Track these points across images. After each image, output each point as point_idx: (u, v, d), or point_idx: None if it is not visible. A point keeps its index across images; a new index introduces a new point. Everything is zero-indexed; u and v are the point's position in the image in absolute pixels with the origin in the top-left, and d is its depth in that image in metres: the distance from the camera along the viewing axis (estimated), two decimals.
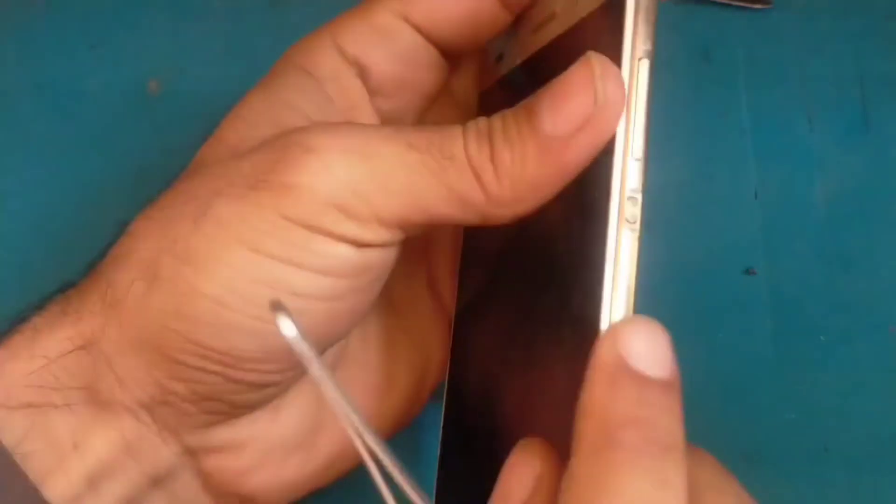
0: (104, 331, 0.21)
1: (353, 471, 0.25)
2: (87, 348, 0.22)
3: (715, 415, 0.30)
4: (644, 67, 0.20)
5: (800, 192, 0.33)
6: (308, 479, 0.25)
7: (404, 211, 0.21)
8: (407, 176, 0.20)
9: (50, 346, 0.21)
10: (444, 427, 0.25)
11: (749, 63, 0.35)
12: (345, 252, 0.21)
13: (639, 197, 0.20)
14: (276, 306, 0.17)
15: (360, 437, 0.18)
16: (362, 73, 0.24)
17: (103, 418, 0.22)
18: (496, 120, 0.20)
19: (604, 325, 0.19)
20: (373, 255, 0.21)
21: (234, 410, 0.22)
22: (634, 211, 0.20)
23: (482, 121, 0.21)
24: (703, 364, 0.30)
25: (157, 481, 0.23)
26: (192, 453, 0.23)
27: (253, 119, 0.23)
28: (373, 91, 0.24)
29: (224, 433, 0.23)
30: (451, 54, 0.25)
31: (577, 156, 0.20)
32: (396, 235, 0.21)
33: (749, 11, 0.36)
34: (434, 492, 0.24)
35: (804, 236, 0.33)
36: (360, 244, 0.21)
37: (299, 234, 0.20)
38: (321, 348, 0.23)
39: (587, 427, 0.18)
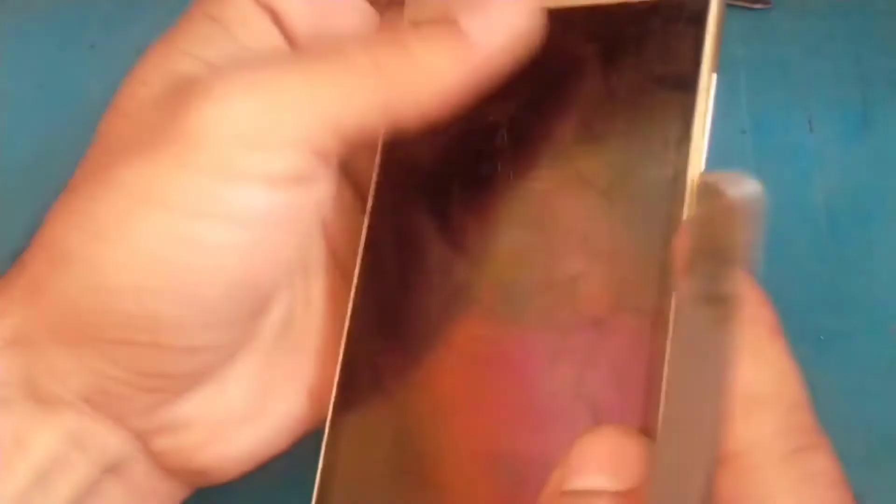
0: (30, 323, 0.21)
1: (309, 433, 0.25)
2: (18, 343, 0.21)
3: None
4: (714, 82, 0.21)
5: (800, 192, 0.33)
6: (261, 446, 0.24)
7: (312, 131, 0.20)
8: (310, 93, 0.20)
9: None
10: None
11: (749, 63, 0.35)
12: (261, 194, 0.20)
13: None
14: None
15: None
16: (276, 19, 0.23)
17: (45, 414, 0.21)
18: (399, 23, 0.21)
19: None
20: (291, 195, 0.21)
21: (176, 386, 0.22)
22: None
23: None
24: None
25: (110, 470, 0.22)
26: (141, 437, 0.23)
27: (150, 78, 0.22)
28: (292, 39, 0.23)
29: (170, 412, 0.22)
30: None
31: (488, 54, 0.20)
32: (311, 163, 0.21)
33: (749, 11, 0.35)
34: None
35: (804, 236, 0.33)
36: (274, 180, 0.20)
37: (208, 181, 0.20)
38: (250, 304, 0.22)
39: None
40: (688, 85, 0.21)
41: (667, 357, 0.16)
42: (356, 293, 0.24)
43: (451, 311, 0.23)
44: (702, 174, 0.17)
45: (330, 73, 0.20)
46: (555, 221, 0.22)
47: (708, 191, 0.14)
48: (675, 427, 0.16)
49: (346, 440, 0.23)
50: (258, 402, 0.24)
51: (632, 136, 0.22)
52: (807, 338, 0.32)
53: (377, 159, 0.25)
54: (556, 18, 0.22)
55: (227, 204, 0.20)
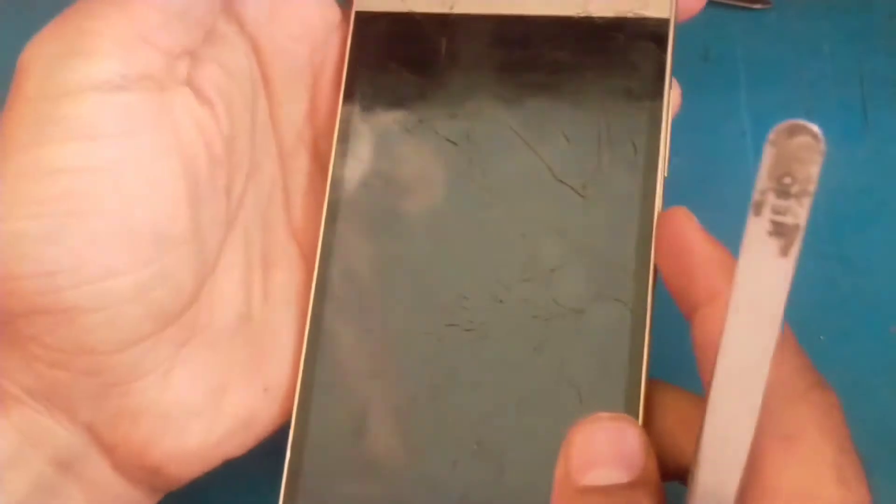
0: None
1: (268, 437, 0.25)
2: None
3: None
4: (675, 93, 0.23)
5: None
6: (215, 446, 0.23)
7: (120, 31, 0.20)
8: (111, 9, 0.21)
9: None
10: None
11: (749, 63, 0.35)
12: (94, 101, 0.20)
13: None
14: None
15: None
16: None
17: None
18: None
19: None
20: (127, 97, 0.20)
21: (114, 368, 0.21)
22: None
23: None
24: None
25: (65, 466, 0.22)
26: (91, 430, 0.22)
27: None
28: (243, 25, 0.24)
29: (117, 401, 0.22)
30: None
31: None
32: (136, 63, 0.20)
33: (749, 11, 0.35)
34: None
35: (804, 236, 0.33)
36: (102, 86, 0.20)
37: (44, 106, 0.20)
38: (151, 244, 0.21)
39: None
40: (652, 94, 0.23)
41: (734, 289, 0.17)
42: (317, 285, 0.24)
43: (418, 302, 0.23)
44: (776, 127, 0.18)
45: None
46: (525, 216, 0.23)
47: (788, 130, 0.17)
48: (733, 364, 0.17)
49: (311, 437, 0.23)
50: (211, 397, 0.23)
51: (600, 137, 0.23)
52: (807, 338, 0.32)
53: (333, 151, 0.25)
54: (531, 26, 0.23)
55: (67, 121, 0.20)
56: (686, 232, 0.21)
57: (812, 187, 0.17)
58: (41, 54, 0.20)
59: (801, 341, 0.32)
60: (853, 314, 0.32)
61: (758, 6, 0.35)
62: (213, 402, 0.23)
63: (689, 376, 0.21)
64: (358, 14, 0.24)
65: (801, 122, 0.17)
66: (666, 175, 0.23)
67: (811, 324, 0.32)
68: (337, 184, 0.24)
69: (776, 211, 0.17)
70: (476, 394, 0.23)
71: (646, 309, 0.22)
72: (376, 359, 0.24)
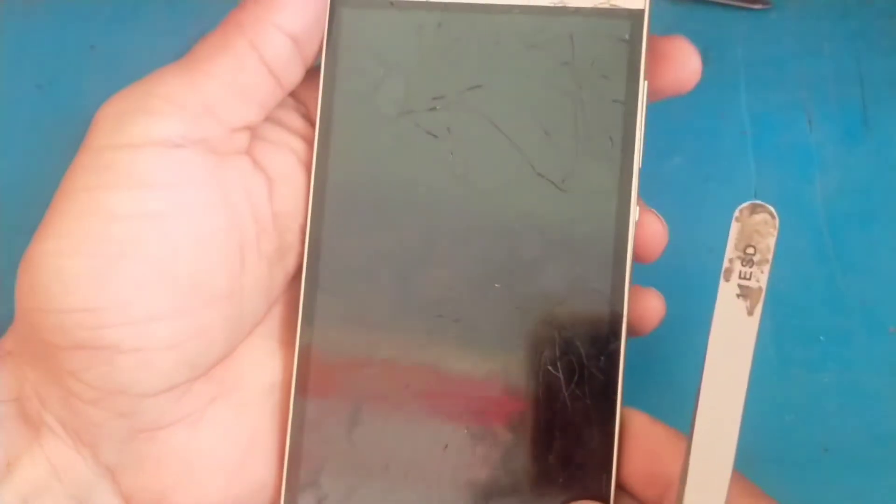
0: (12, 339, 0.22)
1: None
2: (9, 359, 0.22)
3: None
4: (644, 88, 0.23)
5: (800, 192, 0.33)
6: (234, 503, 0.24)
7: (183, 97, 0.22)
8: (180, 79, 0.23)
9: None
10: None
11: (749, 63, 0.35)
12: (153, 155, 0.21)
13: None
14: None
15: None
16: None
17: (31, 437, 0.22)
18: None
19: None
20: (185, 154, 0.22)
21: (146, 414, 0.22)
22: None
23: None
24: (702, 365, 0.30)
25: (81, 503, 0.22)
26: (112, 472, 0.22)
27: None
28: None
29: (143, 447, 0.22)
30: None
31: None
32: (196, 126, 0.22)
33: (749, 11, 0.35)
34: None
35: (804, 236, 0.33)
36: (162, 142, 0.21)
37: (108, 154, 0.21)
38: (193, 292, 0.22)
39: None
40: (627, 86, 0.23)
41: (709, 343, 0.20)
42: (307, 279, 0.24)
43: (402, 296, 0.24)
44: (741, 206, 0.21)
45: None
46: (506, 209, 0.24)
47: (749, 209, 0.20)
48: (711, 405, 0.20)
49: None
50: (236, 455, 0.24)
51: (578, 131, 0.23)
52: (807, 338, 0.32)
53: (315, 145, 0.25)
54: (507, 16, 0.24)
55: (124, 170, 0.21)
56: (655, 448, 0.23)
57: (770, 256, 0.20)
58: (111, 111, 0.22)
59: (802, 341, 0.32)
60: (853, 314, 0.32)
61: (758, 6, 0.35)
62: (237, 461, 0.24)
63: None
64: (335, 3, 0.24)
65: (760, 202, 0.20)
66: (640, 166, 0.23)
67: (811, 324, 0.32)
68: (320, 180, 0.24)
69: (742, 276, 0.20)
70: (460, 385, 0.23)
71: (623, 298, 0.23)
72: (367, 358, 0.24)
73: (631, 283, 0.23)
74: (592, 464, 0.23)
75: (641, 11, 0.23)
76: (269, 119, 0.24)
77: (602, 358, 0.23)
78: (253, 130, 0.24)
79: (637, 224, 0.23)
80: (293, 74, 0.23)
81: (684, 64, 0.23)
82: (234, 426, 0.24)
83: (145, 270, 0.21)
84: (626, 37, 0.23)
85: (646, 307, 0.24)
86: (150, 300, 0.21)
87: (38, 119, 0.34)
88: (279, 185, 0.24)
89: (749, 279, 0.20)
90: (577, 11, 0.23)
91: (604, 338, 0.23)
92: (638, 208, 0.23)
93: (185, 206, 0.22)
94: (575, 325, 0.23)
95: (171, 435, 0.23)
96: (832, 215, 0.33)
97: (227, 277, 0.23)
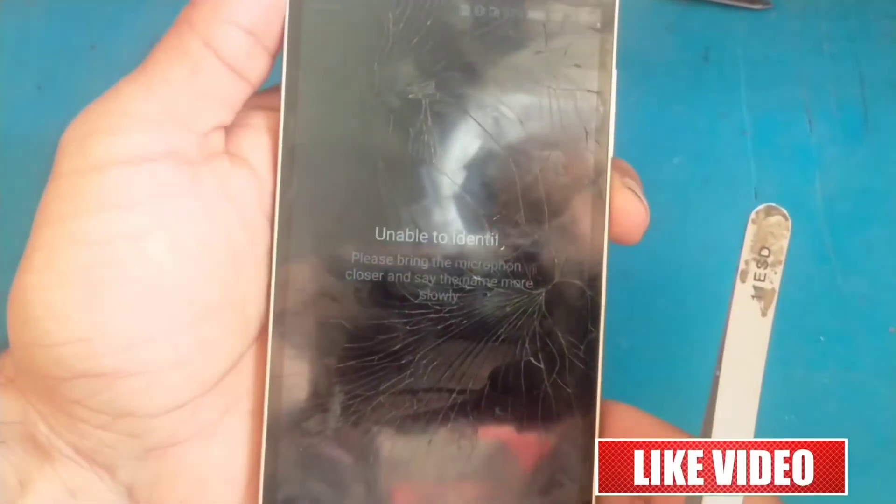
0: (11, 366, 0.22)
1: None
2: (11, 386, 0.22)
3: None
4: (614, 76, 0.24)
5: (800, 192, 0.33)
6: None
7: (146, 108, 0.21)
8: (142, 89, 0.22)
9: None
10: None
11: (749, 63, 0.35)
12: (126, 172, 0.21)
13: None
14: None
15: None
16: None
17: (43, 462, 0.22)
18: None
19: None
20: (157, 168, 0.21)
21: (157, 434, 0.22)
22: None
23: None
24: (702, 364, 0.30)
25: None
26: (129, 489, 0.22)
27: None
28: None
29: (158, 464, 0.22)
30: None
31: None
32: (165, 138, 0.21)
33: (749, 11, 0.35)
34: None
35: (804, 236, 0.33)
36: (131, 159, 0.21)
37: (79, 180, 0.21)
38: (189, 311, 0.22)
39: None
40: (600, 77, 0.23)
41: (725, 345, 0.20)
42: (278, 253, 0.24)
43: (378, 283, 0.24)
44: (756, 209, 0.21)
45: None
46: (482, 199, 0.24)
47: (765, 211, 0.21)
48: (728, 407, 0.20)
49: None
50: (249, 467, 0.23)
51: (552, 118, 0.24)
52: (807, 338, 0.32)
53: (280, 138, 0.24)
54: (478, 7, 0.24)
55: (94, 193, 0.21)
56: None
57: (783, 258, 0.20)
58: (73, 136, 0.21)
59: (802, 341, 0.32)
60: (853, 314, 0.32)
61: (758, 6, 0.35)
62: (249, 473, 0.23)
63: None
64: None
65: (774, 205, 0.20)
66: (613, 154, 0.23)
67: (811, 324, 0.32)
68: (286, 178, 0.24)
69: (757, 278, 0.20)
70: (439, 377, 0.23)
71: (601, 287, 0.23)
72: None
73: (608, 271, 0.23)
74: (574, 451, 0.23)
75: (612, 3, 0.23)
76: (247, 105, 0.23)
77: (582, 347, 0.23)
78: (227, 128, 0.23)
79: (614, 205, 0.23)
80: (258, 67, 0.22)
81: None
82: (248, 437, 0.24)
83: (132, 292, 0.21)
84: (598, 26, 0.23)
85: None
86: (143, 321, 0.21)
87: (38, 119, 0.34)
88: (266, 176, 0.24)
89: (763, 280, 0.20)
90: (549, 0, 0.24)
91: (583, 325, 0.23)
92: (611, 195, 0.23)
93: (162, 221, 0.21)
94: (553, 313, 0.23)
95: (185, 450, 0.22)
96: (832, 215, 0.33)
97: (222, 288, 0.22)
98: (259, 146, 0.24)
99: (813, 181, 0.33)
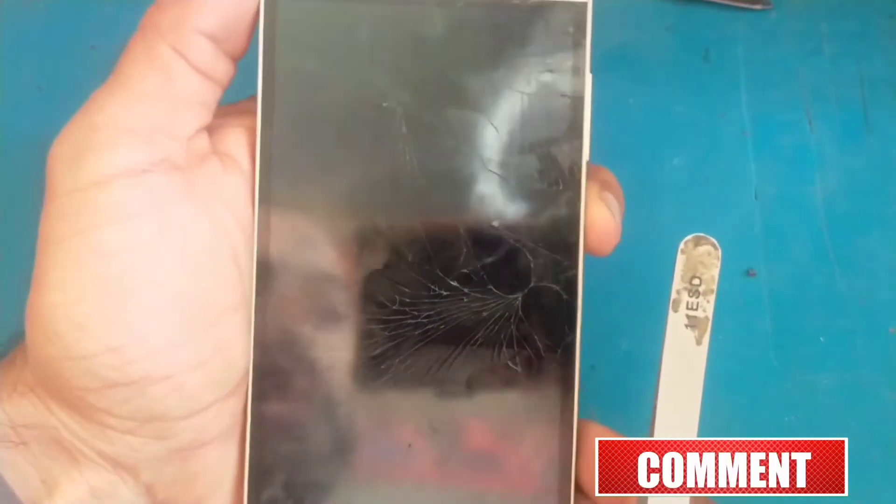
0: (31, 376, 0.22)
1: None
2: (32, 395, 0.22)
3: (715, 416, 0.30)
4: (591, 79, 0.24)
5: (800, 192, 0.33)
6: None
7: (128, 123, 0.22)
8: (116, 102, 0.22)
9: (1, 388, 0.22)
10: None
11: (749, 63, 0.35)
12: (118, 186, 0.21)
13: None
14: None
15: None
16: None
17: (69, 465, 0.22)
18: None
19: None
20: (147, 179, 0.21)
21: (183, 436, 0.22)
22: None
23: None
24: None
25: None
26: (149, 489, 0.23)
27: None
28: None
29: (178, 465, 0.23)
30: None
31: None
32: (146, 149, 0.21)
33: (749, 12, 0.36)
34: None
35: (804, 236, 0.33)
36: (118, 174, 0.21)
37: (69, 201, 0.21)
38: (197, 315, 0.22)
39: None
40: (574, 79, 0.23)
41: (661, 369, 0.21)
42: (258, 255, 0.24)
43: (362, 296, 0.24)
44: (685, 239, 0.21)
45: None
46: (458, 204, 0.24)
47: (693, 241, 0.21)
48: (666, 421, 0.21)
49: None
50: None
51: (526, 123, 0.24)
52: (807, 338, 0.32)
53: (258, 141, 0.24)
54: (454, 10, 0.24)
55: (102, 207, 0.21)
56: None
57: (715, 286, 0.21)
58: (63, 153, 0.22)
59: (802, 341, 0.32)
60: (853, 315, 0.32)
61: (758, 6, 0.35)
62: None
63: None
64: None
65: (703, 235, 0.21)
66: (588, 159, 0.23)
67: (811, 324, 0.32)
68: (264, 190, 0.24)
69: (689, 307, 0.21)
70: (421, 381, 0.24)
71: (577, 290, 0.23)
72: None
73: (584, 276, 0.23)
74: (550, 461, 0.23)
75: (584, 4, 0.23)
76: (231, 109, 0.24)
77: (558, 350, 0.23)
78: (212, 128, 0.23)
79: (588, 217, 0.23)
80: (224, 70, 0.23)
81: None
82: None
83: (151, 299, 0.21)
84: (570, 30, 0.23)
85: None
86: (165, 327, 0.21)
87: (38, 119, 0.34)
88: (252, 162, 0.24)
89: (696, 309, 0.21)
90: (522, 4, 0.24)
91: (559, 330, 0.23)
92: (587, 202, 0.23)
93: (169, 229, 0.22)
94: (529, 319, 0.23)
95: (207, 451, 0.23)
96: (832, 215, 0.33)
97: (229, 290, 0.23)
98: (249, 143, 0.24)
99: (813, 181, 0.33)
